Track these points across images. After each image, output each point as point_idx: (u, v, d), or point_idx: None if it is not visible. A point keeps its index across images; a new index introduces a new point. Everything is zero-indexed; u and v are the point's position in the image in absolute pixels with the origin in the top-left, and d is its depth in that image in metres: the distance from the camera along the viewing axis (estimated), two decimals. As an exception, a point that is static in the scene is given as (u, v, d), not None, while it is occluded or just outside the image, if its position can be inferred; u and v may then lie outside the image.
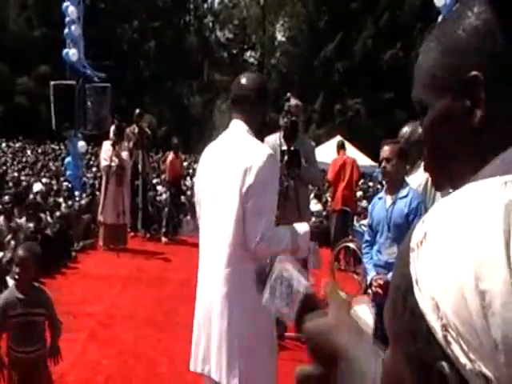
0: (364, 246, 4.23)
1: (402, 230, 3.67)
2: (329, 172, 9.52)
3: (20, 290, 3.31)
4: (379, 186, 21.89)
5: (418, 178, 3.91)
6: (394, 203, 3.86)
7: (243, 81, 2.67)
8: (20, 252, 3.35)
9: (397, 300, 0.55)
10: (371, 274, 3.96)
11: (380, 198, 4.06)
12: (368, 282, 4.05)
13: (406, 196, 3.79)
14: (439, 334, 0.49)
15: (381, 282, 3.73)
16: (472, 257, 0.48)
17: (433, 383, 0.50)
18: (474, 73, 0.73)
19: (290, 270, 0.84)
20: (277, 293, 0.84)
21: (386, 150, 3.85)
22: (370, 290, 6.33)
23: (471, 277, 0.48)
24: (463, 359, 0.48)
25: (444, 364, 0.49)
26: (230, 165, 2.54)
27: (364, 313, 0.87)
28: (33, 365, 3.34)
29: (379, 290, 3.72)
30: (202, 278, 2.69)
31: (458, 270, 0.49)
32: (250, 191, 2.45)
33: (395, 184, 3.89)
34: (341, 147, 9.78)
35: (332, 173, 9.30)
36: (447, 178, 0.84)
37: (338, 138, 23.11)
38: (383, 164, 3.87)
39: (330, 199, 15.34)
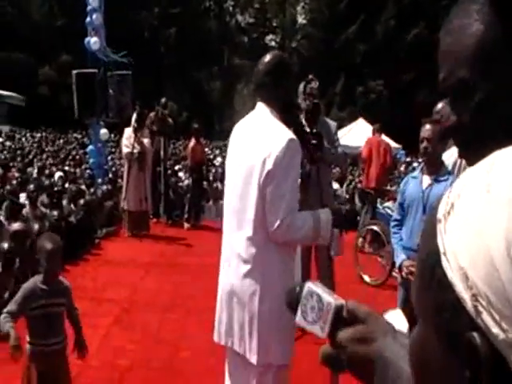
0: (393, 224, 4.09)
1: None
2: (363, 150, 9.51)
3: (45, 281, 3.28)
4: (402, 168, 21.70)
5: (451, 157, 3.81)
6: (431, 185, 3.75)
7: (262, 63, 2.69)
8: (48, 245, 3.28)
9: (424, 272, 0.54)
10: (401, 256, 3.84)
11: (414, 178, 3.93)
12: (397, 265, 3.94)
13: (445, 179, 3.65)
14: (469, 304, 0.48)
15: (413, 270, 3.53)
16: (502, 224, 0.47)
17: (462, 354, 0.49)
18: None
19: (320, 287, 0.90)
20: (308, 308, 0.89)
21: (427, 130, 3.70)
22: (394, 273, 6.31)
23: (502, 244, 0.47)
24: (495, 329, 0.47)
25: (474, 334, 0.48)
26: (251, 150, 2.56)
27: (397, 316, 0.91)
28: (54, 357, 3.31)
29: (411, 277, 3.55)
30: (224, 259, 2.74)
31: (488, 238, 0.48)
32: (270, 177, 2.46)
33: (434, 164, 3.77)
34: (376, 130, 9.79)
35: (366, 151, 9.31)
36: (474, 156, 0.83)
37: (361, 120, 23.02)
38: (424, 144, 3.72)
39: (355, 181, 15.32)
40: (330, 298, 0.87)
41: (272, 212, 2.47)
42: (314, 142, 4.72)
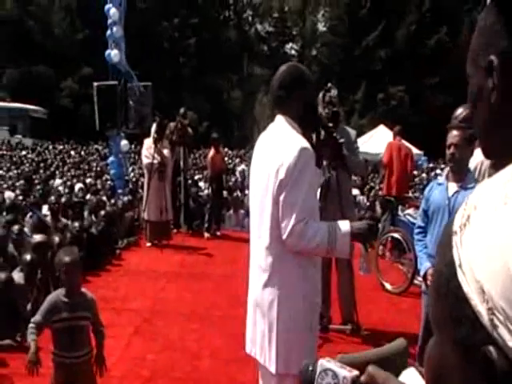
0: (416, 231, 4.03)
1: None
2: (384, 155, 9.38)
3: (67, 295, 3.32)
4: (424, 175, 21.52)
5: (474, 161, 3.76)
6: (457, 192, 3.69)
7: (276, 76, 2.74)
8: (65, 258, 3.31)
9: (440, 285, 0.54)
10: (425, 264, 3.79)
11: (440, 184, 3.86)
12: (422, 273, 3.88)
13: (472, 187, 3.55)
14: (485, 317, 0.48)
15: None
16: None
17: (479, 368, 0.49)
18: (491, 57, 0.74)
19: (333, 362, 0.91)
20: None
21: (455, 136, 3.62)
22: (417, 281, 6.23)
23: None
24: None
25: (491, 348, 0.47)
26: (268, 161, 2.61)
27: (412, 374, 0.92)
28: (79, 370, 3.34)
29: None
30: (251, 269, 2.78)
31: (505, 252, 0.47)
32: (283, 185, 2.50)
33: (461, 171, 3.71)
34: (397, 134, 9.59)
35: (387, 155, 9.14)
36: (492, 149, 0.85)
37: (382, 127, 22.90)
38: (451, 150, 3.64)
39: (376, 188, 15.22)
40: (345, 372, 0.88)
41: (284, 220, 2.51)
42: (341, 140, 4.59)
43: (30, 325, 3.23)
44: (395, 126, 10.16)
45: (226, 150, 19.99)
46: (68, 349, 3.28)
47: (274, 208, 2.54)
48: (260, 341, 2.64)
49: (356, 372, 0.87)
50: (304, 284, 2.58)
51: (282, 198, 2.51)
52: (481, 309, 0.48)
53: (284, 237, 2.50)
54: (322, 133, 4.32)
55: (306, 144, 2.59)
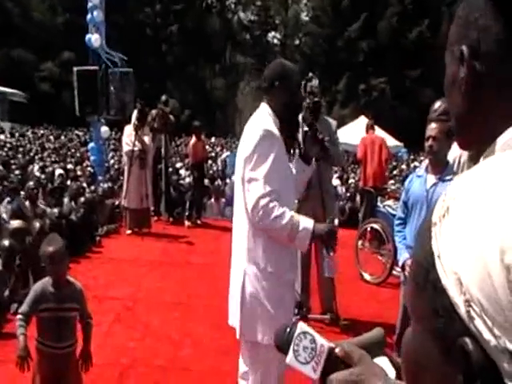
0: (396, 223, 4.08)
1: None
2: (358, 151, 9.47)
3: (54, 285, 3.24)
4: (404, 166, 21.68)
5: (453, 154, 3.80)
6: (436, 184, 3.74)
7: (267, 67, 2.97)
8: (49, 248, 3.20)
9: (418, 275, 0.54)
10: (404, 255, 3.85)
11: (419, 176, 3.91)
12: (400, 264, 3.94)
13: (451, 179, 3.57)
14: (462, 309, 0.48)
15: None
16: (497, 230, 0.47)
17: (455, 360, 0.49)
18: (462, 47, 0.76)
19: (312, 329, 0.90)
20: (301, 348, 0.89)
21: (433, 128, 3.68)
22: (396, 272, 6.30)
23: (496, 250, 0.46)
24: (487, 335, 0.47)
25: (467, 340, 0.48)
26: (240, 145, 2.84)
27: (383, 362, 0.91)
28: (63, 360, 3.27)
29: None
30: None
31: (483, 244, 0.47)
32: (246, 163, 2.70)
33: (439, 163, 3.75)
34: (370, 127, 9.72)
35: (361, 151, 9.25)
36: (467, 138, 0.87)
37: (363, 118, 22.98)
38: (430, 142, 3.69)
39: (355, 179, 15.31)
40: (323, 340, 0.88)
41: (248, 194, 2.68)
42: (320, 136, 4.64)
43: (19, 316, 3.16)
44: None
45: (206, 139, 19.88)
46: (53, 339, 3.22)
47: (243, 188, 2.72)
48: (234, 312, 2.82)
49: (333, 344, 0.87)
50: (272, 262, 2.73)
51: (245, 175, 2.68)
52: (458, 300, 0.48)
53: (249, 210, 2.65)
54: (305, 129, 4.37)
55: (271, 128, 2.74)
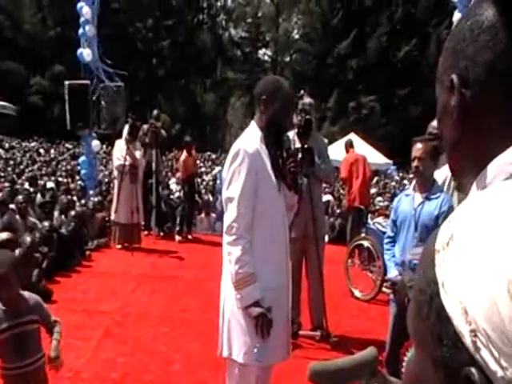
0: (386, 241, 4.13)
1: (429, 231, 3.52)
2: (341, 170, 9.54)
3: (6, 304, 2.98)
4: (394, 184, 21.80)
5: (443, 174, 3.85)
6: (423, 203, 3.79)
7: (258, 84, 2.99)
8: None
9: (422, 303, 0.53)
10: (393, 272, 3.89)
11: (407, 195, 3.97)
12: (390, 282, 3.99)
13: (437, 197, 3.71)
14: (467, 339, 0.48)
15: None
16: (504, 261, 0.46)
17: None
18: (452, 76, 0.77)
19: None
20: None
21: (419, 149, 3.74)
22: (385, 288, 6.32)
23: (504, 281, 0.46)
24: (494, 366, 0.46)
25: (473, 370, 0.47)
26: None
27: None
28: (35, 378, 3.06)
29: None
30: None
31: (489, 274, 0.47)
32: (225, 182, 2.79)
33: (426, 183, 3.81)
34: (349, 146, 9.82)
35: (345, 171, 9.32)
36: (460, 164, 0.86)
37: (352, 135, 23.12)
38: (415, 163, 3.75)
39: (344, 197, 15.36)
40: None
41: (226, 214, 2.78)
42: (303, 157, 4.82)
43: None
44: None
45: (197, 154, 19.88)
46: (17, 359, 2.98)
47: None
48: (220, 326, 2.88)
49: None
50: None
51: (223, 194, 2.79)
52: (463, 330, 0.48)
53: (224, 230, 2.76)
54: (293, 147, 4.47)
55: (248, 145, 2.75)
